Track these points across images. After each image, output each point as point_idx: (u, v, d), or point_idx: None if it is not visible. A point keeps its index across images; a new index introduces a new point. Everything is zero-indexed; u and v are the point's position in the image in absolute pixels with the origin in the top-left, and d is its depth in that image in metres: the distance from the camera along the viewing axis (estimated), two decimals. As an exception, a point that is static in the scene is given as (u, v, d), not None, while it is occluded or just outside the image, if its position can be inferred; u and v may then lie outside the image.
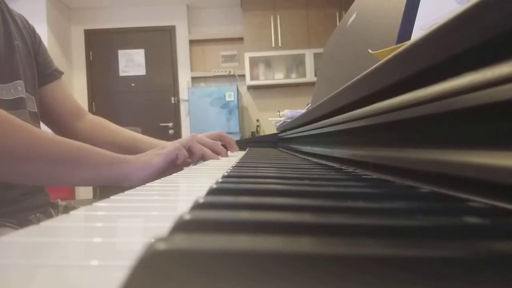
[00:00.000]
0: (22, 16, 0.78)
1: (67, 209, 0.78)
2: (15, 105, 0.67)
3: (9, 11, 0.73)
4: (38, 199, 0.71)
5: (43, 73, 0.80)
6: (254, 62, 3.85)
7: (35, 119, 0.73)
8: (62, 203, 0.80)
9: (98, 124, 0.88)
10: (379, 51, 0.41)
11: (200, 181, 0.42)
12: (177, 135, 4.02)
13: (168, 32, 4.16)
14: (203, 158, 0.73)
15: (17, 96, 0.67)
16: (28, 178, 0.56)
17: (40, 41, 0.81)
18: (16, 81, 0.68)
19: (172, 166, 0.63)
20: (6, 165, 0.51)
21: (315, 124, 0.67)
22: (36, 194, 0.71)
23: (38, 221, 0.68)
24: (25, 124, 0.53)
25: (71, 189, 3.66)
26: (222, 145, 0.83)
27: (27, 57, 0.74)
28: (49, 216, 0.73)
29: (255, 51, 3.81)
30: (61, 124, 0.84)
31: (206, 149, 0.73)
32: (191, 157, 0.70)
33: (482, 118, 0.20)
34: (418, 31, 0.41)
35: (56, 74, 0.82)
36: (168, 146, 0.64)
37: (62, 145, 0.56)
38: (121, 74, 4.16)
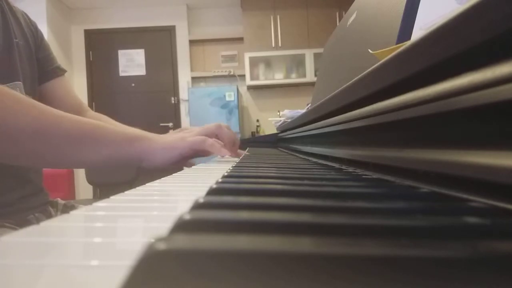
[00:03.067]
0: (24, 13, 0.77)
1: (66, 208, 0.78)
2: None
3: (10, 8, 0.72)
4: (37, 199, 0.71)
5: (44, 70, 0.78)
6: (254, 62, 3.85)
7: None
8: (61, 201, 0.80)
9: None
10: (379, 51, 0.41)
11: (200, 181, 0.41)
12: (177, 135, 4.02)
13: (168, 32, 4.16)
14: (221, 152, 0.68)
15: None
16: (38, 159, 0.53)
17: (42, 37, 0.80)
18: (15, 83, 0.67)
19: (198, 155, 0.60)
20: (13, 145, 0.47)
21: (315, 124, 0.67)
22: (36, 195, 0.71)
23: (37, 221, 0.68)
24: (34, 102, 0.50)
25: (71, 189, 3.66)
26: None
27: (28, 55, 0.73)
28: (48, 215, 0.72)
29: (255, 51, 3.80)
30: None
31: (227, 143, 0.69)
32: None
33: (482, 118, 0.20)
34: (418, 31, 0.41)
35: (57, 72, 0.81)
36: (194, 131, 0.60)
37: (77, 123, 0.52)
38: (121, 74, 4.16)
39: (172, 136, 0.59)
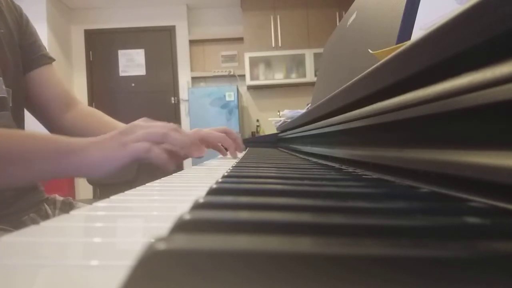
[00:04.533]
0: None
1: (64, 205, 0.76)
2: None
3: None
4: (31, 198, 0.68)
5: (30, 57, 0.73)
6: (254, 62, 3.85)
7: (13, 116, 0.67)
8: (59, 198, 0.77)
9: (89, 115, 0.81)
10: (379, 51, 0.41)
11: (200, 181, 0.41)
12: (177, 135, 4.02)
13: (168, 32, 4.16)
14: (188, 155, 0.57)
15: None
16: None
17: (27, 23, 0.74)
18: None
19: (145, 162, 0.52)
20: None
21: (315, 124, 0.67)
22: (29, 193, 0.68)
23: (32, 221, 0.65)
24: None
25: (71, 189, 3.66)
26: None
27: (10, 43, 0.68)
28: (43, 214, 0.70)
29: (255, 51, 3.81)
30: (48, 113, 0.77)
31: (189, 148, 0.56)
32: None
33: (482, 118, 0.20)
34: (418, 31, 0.41)
35: (43, 59, 0.76)
36: (140, 138, 0.51)
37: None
38: (121, 74, 4.16)
39: (114, 139, 0.51)
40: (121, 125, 0.80)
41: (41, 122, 0.80)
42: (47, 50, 0.79)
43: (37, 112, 0.79)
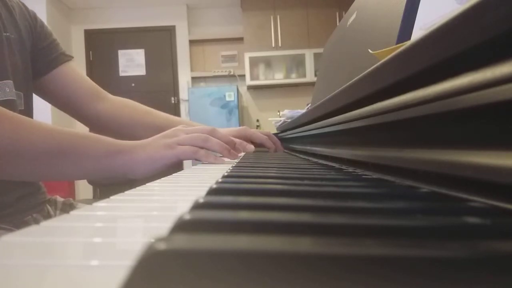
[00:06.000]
0: (21, 3, 0.73)
1: (65, 206, 0.76)
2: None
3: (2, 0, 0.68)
4: (36, 198, 0.69)
5: (49, 57, 0.75)
6: (254, 62, 3.85)
7: None
8: (60, 199, 0.78)
9: (125, 105, 0.83)
10: (379, 51, 0.41)
11: (200, 181, 0.41)
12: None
13: (168, 32, 4.16)
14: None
15: (5, 98, 0.62)
16: (13, 176, 0.51)
17: (42, 26, 0.76)
18: (4, 81, 0.62)
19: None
20: None
21: (315, 124, 0.66)
22: (34, 194, 0.69)
23: (35, 222, 0.66)
24: (5, 114, 0.46)
25: (71, 189, 3.66)
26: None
27: (20, 49, 0.69)
28: (46, 215, 0.71)
29: (255, 51, 3.81)
30: (80, 108, 0.79)
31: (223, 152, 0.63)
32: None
33: (482, 118, 0.20)
34: (418, 31, 0.41)
35: (63, 58, 0.77)
36: (185, 141, 0.55)
37: (47, 137, 0.49)
38: (121, 74, 4.16)
39: (158, 141, 0.55)
40: (160, 113, 0.82)
41: (77, 119, 0.81)
42: (52, 34, 0.79)
43: (68, 109, 0.80)
